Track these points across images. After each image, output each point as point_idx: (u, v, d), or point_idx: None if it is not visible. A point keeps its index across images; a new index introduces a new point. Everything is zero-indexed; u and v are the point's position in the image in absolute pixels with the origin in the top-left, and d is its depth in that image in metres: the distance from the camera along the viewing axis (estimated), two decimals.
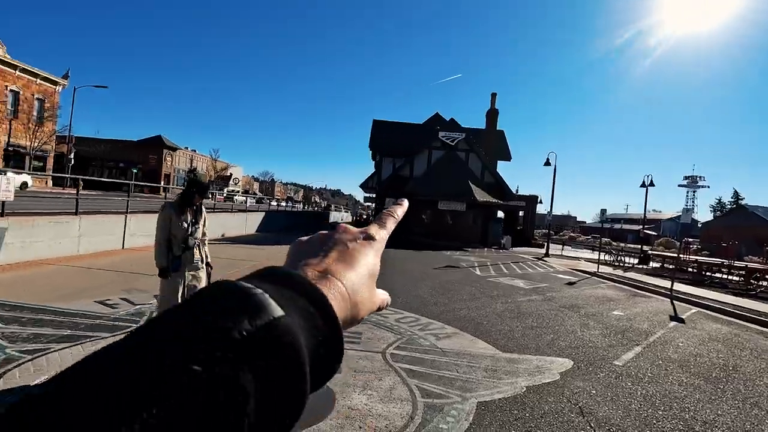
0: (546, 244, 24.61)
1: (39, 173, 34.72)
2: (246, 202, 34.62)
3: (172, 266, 4.02)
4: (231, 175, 74.35)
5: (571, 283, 13.01)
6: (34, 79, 36.64)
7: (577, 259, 23.87)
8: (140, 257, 10.08)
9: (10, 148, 34.12)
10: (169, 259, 4.02)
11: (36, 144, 35.47)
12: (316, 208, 47.49)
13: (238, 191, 62.24)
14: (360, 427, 3.27)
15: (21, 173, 26.54)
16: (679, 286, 12.39)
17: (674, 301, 10.76)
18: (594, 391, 4.46)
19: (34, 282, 6.87)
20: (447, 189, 26.60)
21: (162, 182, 50.73)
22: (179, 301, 4.02)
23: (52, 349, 4.19)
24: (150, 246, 11.88)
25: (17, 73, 35.03)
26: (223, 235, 17.55)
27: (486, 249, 24.45)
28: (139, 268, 8.66)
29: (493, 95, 35.77)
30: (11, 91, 34.63)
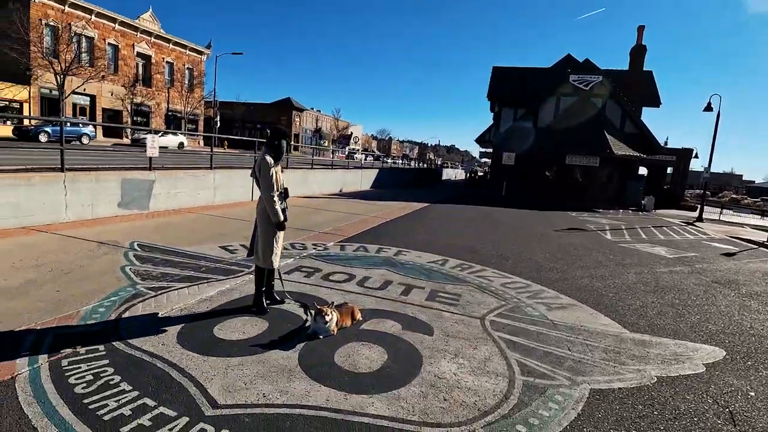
0: (699, 206, 20.66)
1: (192, 133, 40.49)
2: (362, 160, 35.73)
3: (285, 218, 4.09)
4: (351, 133, 77.48)
5: (729, 255, 10.66)
6: (184, 51, 42.09)
7: (740, 225, 19.65)
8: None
9: (170, 113, 40.23)
10: (284, 213, 4.08)
11: (188, 109, 41.19)
12: (430, 165, 46.96)
13: (357, 149, 64.75)
14: (445, 400, 2.95)
15: (177, 134, 31.04)
16: None
17: None
18: (753, 394, 3.45)
19: (174, 227, 7.86)
20: (577, 141, 23.69)
21: (292, 141, 54.95)
22: (278, 253, 4.14)
23: (173, 288, 4.67)
24: None
25: (171, 46, 40.58)
26: (341, 191, 18.33)
27: (622, 211, 21.50)
28: None
29: (640, 28, 30.02)
30: (167, 62, 40.42)
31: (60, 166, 7.24)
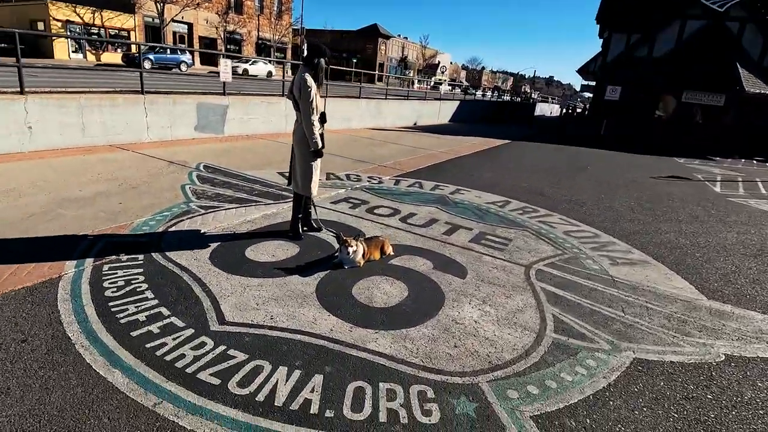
0: None
1: (281, 61, 41.23)
2: (447, 92, 33.93)
3: (322, 147, 3.92)
4: (439, 63, 73.51)
5: None
6: None
7: None
8: (331, 138, 10.98)
9: (260, 42, 41.11)
10: (322, 139, 3.92)
11: (277, 37, 41.67)
12: (525, 98, 43.31)
13: (444, 80, 61.67)
14: (455, 346, 2.74)
15: (267, 63, 31.74)
16: None
17: None
18: None
19: (241, 152, 8.16)
20: (699, 75, 19.93)
21: (377, 70, 53.79)
22: (317, 180, 4.02)
23: (222, 208, 4.86)
24: (345, 130, 12.83)
25: None
26: (415, 124, 17.73)
27: (744, 161, 18.16)
28: (329, 150, 9.40)
29: None
30: None
31: (140, 89, 7.72)
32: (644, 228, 5.99)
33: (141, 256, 3.51)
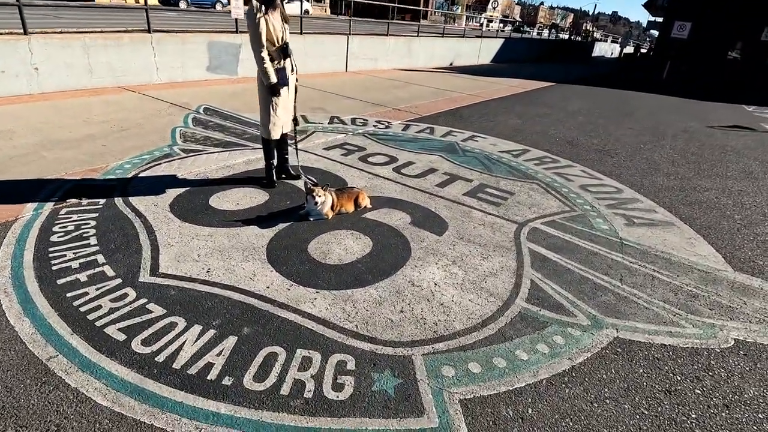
0: None
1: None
2: (484, 27, 31.43)
3: (281, 81, 3.52)
4: None
5: None
6: None
7: None
8: (349, 80, 10.40)
9: None
10: (278, 74, 3.52)
11: None
12: (584, 38, 39.33)
13: (496, 17, 57.06)
14: (401, 312, 2.44)
15: (303, 1, 30.30)
16: None
17: None
18: None
19: (248, 94, 7.81)
20: None
21: (421, 6, 50.42)
22: (281, 121, 3.67)
23: (204, 152, 4.66)
24: (370, 70, 12.15)
25: None
26: (451, 64, 16.56)
27: None
28: (341, 90, 8.93)
29: None
30: None
31: (147, 28, 7.47)
32: (681, 184, 5.22)
33: (102, 201, 3.40)
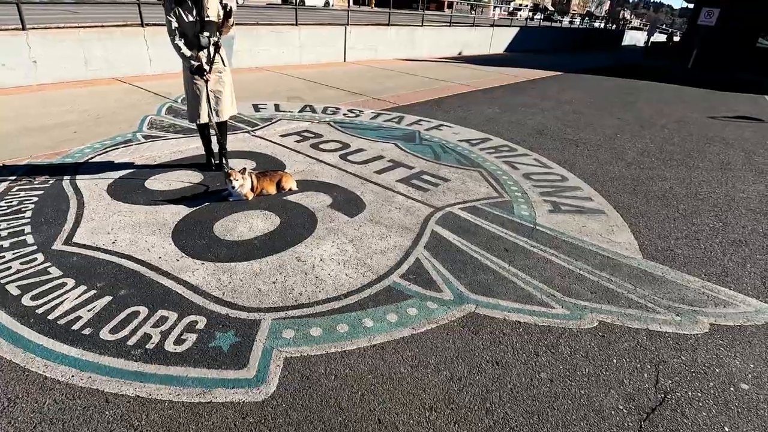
0: None
1: None
2: (495, 16, 30.67)
3: (190, 68, 3.70)
4: None
5: None
6: None
7: None
8: (342, 69, 10.56)
9: None
10: (188, 61, 3.71)
11: None
12: (617, 26, 37.72)
13: (526, 5, 55.50)
14: (273, 283, 2.67)
15: None
16: None
17: None
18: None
19: (238, 84, 8.17)
20: None
21: None
22: (204, 106, 3.93)
23: (165, 138, 5.01)
24: (369, 60, 12.27)
25: None
26: (460, 53, 16.43)
27: None
28: (328, 80, 9.13)
29: None
30: None
31: (140, 22, 7.93)
32: (638, 173, 5.16)
33: (52, 180, 3.79)
